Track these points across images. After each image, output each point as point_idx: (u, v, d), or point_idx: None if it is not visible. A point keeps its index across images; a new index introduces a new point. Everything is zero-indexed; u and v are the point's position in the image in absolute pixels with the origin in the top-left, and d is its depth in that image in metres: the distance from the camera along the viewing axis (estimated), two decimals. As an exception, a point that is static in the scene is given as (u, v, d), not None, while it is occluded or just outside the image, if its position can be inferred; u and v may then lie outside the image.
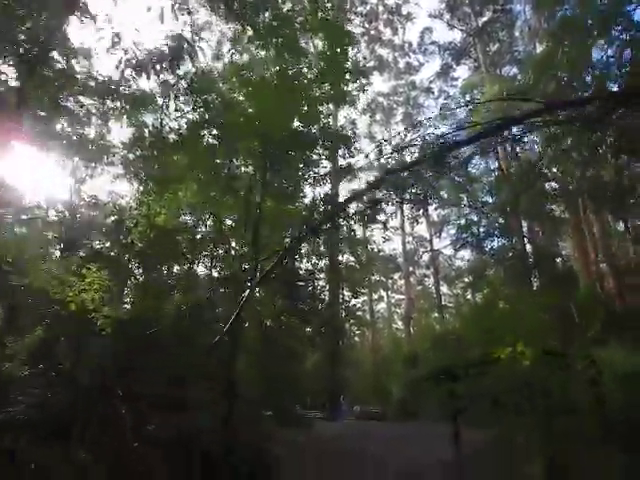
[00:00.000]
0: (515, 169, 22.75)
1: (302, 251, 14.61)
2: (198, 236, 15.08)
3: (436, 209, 29.67)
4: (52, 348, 7.79)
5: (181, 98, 14.48)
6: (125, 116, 16.61)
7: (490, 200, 23.89)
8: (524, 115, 7.89)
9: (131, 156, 17.21)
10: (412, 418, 20.06)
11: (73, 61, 15.26)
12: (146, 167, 14.92)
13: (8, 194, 16.30)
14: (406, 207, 28.97)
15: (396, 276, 40.62)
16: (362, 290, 27.04)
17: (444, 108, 25.30)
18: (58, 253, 17.25)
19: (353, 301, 27.74)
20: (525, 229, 23.59)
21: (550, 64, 12.13)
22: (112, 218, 14.91)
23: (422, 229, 36.79)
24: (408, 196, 10.23)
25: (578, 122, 8.83)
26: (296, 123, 11.73)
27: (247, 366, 11.44)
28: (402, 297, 40.38)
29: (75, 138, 18.28)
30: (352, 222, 11.92)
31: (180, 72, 12.68)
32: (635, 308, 16.24)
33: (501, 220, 22.37)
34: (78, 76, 15.65)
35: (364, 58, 24.95)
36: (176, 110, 13.08)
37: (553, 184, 20.42)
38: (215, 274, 14.93)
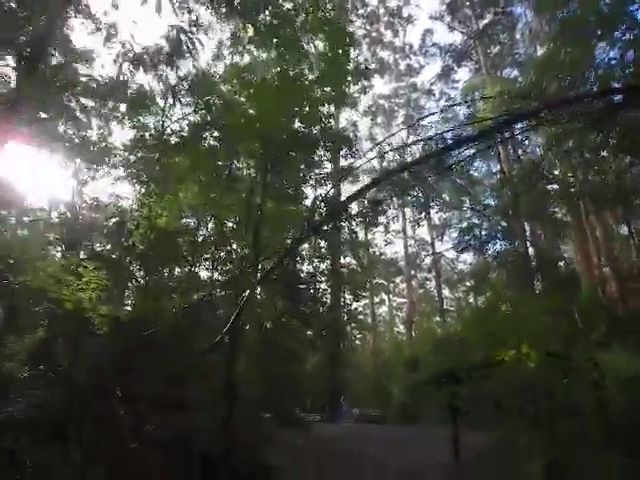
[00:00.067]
0: (517, 171, 22.70)
1: (303, 253, 14.61)
2: (199, 238, 15.09)
3: (438, 212, 29.73)
4: (51, 348, 7.76)
5: (182, 100, 14.53)
6: (127, 118, 16.69)
7: (492, 203, 23.90)
8: (525, 113, 7.84)
9: (132, 158, 17.28)
10: (413, 421, 19.95)
11: (75, 63, 15.37)
12: (147, 169, 14.97)
13: (10, 195, 16.35)
14: (408, 210, 29.05)
15: (398, 279, 40.59)
16: (363, 293, 26.93)
17: (445, 109, 25.28)
18: (59, 254, 17.27)
19: (354, 304, 27.77)
20: (527, 232, 23.50)
21: (552, 65, 12.11)
22: (113, 220, 14.94)
23: (424, 232, 36.77)
24: (409, 196, 10.19)
25: (580, 120, 8.78)
26: (297, 124, 11.72)
27: (247, 367, 11.40)
28: (404, 300, 40.33)
29: (77, 140, 18.38)
30: (353, 223, 11.90)
31: (180, 72, 12.72)
32: (638, 312, 16.15)
33: (503, 223, 22.30)
34: (81, 78, 15.75)
35: (365, 60, 24.98)
36: (178, 111, 13.12)
37: (555, 186, 20.37)
38: (216, 276, 14.92)
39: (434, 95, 34.59)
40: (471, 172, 21.81)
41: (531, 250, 22.75)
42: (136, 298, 13.29)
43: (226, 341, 8.99)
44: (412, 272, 38.29)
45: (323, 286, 17.50)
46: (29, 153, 17.98)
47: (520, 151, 25.63)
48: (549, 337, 11.65)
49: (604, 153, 13.65)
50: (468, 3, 29.76)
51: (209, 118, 12.73)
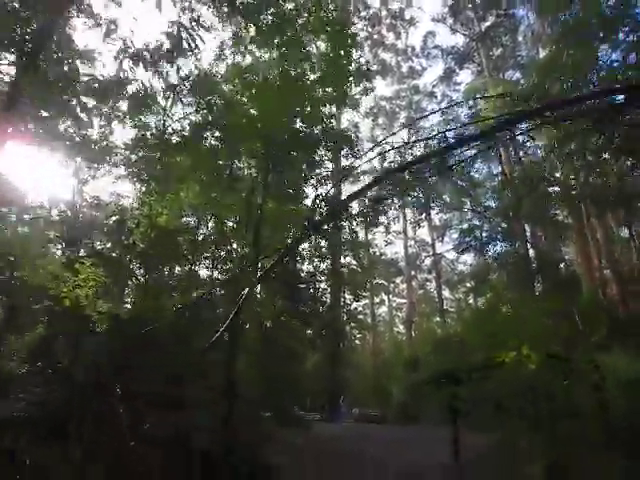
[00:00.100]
0: (518, 173, 22.70)
1: (304, 252, 14.60)
2: (199, 237, 15.10)
3: (438, 213, 29.75)
4: (51, 346, 7.76)
5: (184, 99, 14.53)
6: (128, 117, 16.70)
7: (493, 204, 23.89)
8: (527, 113, 7.83)
9: (134, 157, 17.30)
10: (413, 421, 19.93)
11: (77, 62, 15.38)
12: (148, 168, 14.98)
13: (11, 193, 16.36)
14: (409, 211, 29.02)
15: (398, 280, 40.57)
16: (363, 293, 26.94)
17: (446, 110, 25.28)
18: (60, 252, 17.29)
19: (354, 304, 27.80)
20: (528, 234, 23.49)
21: (554, 68, 12.11)
22: (114, 218, 14.95)
23: (424, 233, 36.78)
24: (410, 195, 10.17)
25: (582, 121, 8.78)
26: (299, 124, 11.72)
27: (247, 366, 11.39)
28: (404, 301, 40.28)
29: (78, 139, 18.39)
30: (354, 222, 11.90)
31: (181, 70, 12.71)
32: (638, 315, 16.14)
33: (504, 224, 22.30)
34: (82, 78, 15.75)
35: (367, 62, 25.03)
36: (179, 111, 13.13)
37: (556, 188, 20.36)
38: (216, 275, 14.93)
39: (436, 97, 34.66)
40: (472, 173, 21.87)
41: (532, 252, 22.76)
42: (136, 296, 13.30)
43: (226, 340, 9.00)
44: (412, 273, 38.28)
45: (323, 286, 17.53)
46: (30, 151, 17.99)
47: (521, 153, 25.64)
48: (549, 339, 11.64)
49: (606, 155, 13.63)
50: (470, 5, 29.78)
51: (210, 118, 12.74)
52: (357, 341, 38.78)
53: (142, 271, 13.35)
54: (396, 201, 12.16)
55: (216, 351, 9.00)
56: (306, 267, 16.15)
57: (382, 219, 14.00)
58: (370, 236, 33.10)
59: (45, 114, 15.82)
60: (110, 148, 19.55)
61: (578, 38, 11.82)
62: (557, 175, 20.12)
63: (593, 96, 7.86)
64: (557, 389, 7.68)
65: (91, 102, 17.55)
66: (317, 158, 12.77)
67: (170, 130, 15.23)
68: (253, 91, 11.59)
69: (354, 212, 9.96)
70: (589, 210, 19.52)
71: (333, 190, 13.96)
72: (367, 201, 9.45)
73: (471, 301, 31.54)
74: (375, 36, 33.68)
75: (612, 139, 10.83)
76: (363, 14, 31.93)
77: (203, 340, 8.85)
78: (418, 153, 9.53)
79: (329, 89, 11.96)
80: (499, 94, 11.48)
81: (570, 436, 6.88)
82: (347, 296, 25.54)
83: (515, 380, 8.13)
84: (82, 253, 16.17)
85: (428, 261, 37.27)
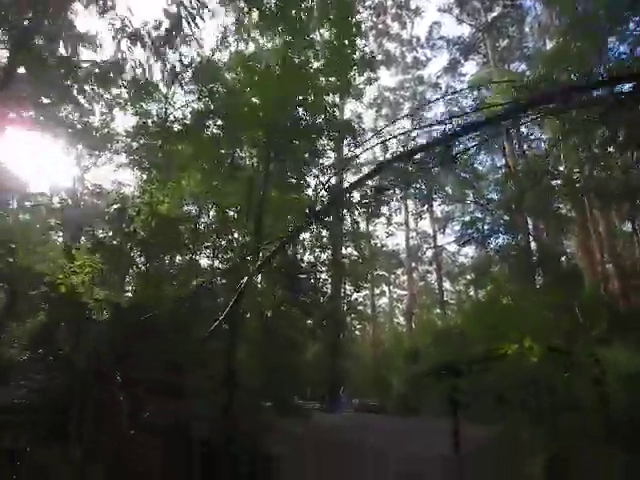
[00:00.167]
0: (522, 166, 22.55)
1: (304, 242, 14.56)
2: (201, 226, 15.04)
3: (440, 205, 29.66)
4: (52, 333, 7.75)
5: (185, 87, 14.38)
6: (129, 104, 16.56)
7: (496, 197, 23.77)
8: (533, 100, 7.69)
9: (135, 145, 17.20)
10: (413, 413, 20.01)
11: (79, 47, 15.20)
12: (150, 156, 14.89)
13: (12, 180, 16.30)
14: (410, 202, 28.90)
15: (399, 271, 40.57)
16: (364, 284, 26.97)
17: (450, 100, 25.06)
18: (60, 240, 17.26)
19: (355, 295, 27.82)
20: (530, 226, 23.41)
21: (561, 59, 11.95)
22: (115, 206, 14.87)
23: (426, 225, 36.74)
24: (412, 187, 10.07)
25: (587, 112, 8.67)
26: (301, 113, 11.61)
27: (247, 355, 11.40)
28: (404, 292, 40.32)
29: (79, 126, 18.28)
30: (355, 212, 11.82)
31: (181, 54, 12.52)
32: (639, 309, 16.12)
33: (506, 217, 22.20)
34: (83, 65, 15.59)
35: (371, 52, 24.75)
36: (181, 98, 13.01)
37: (559, 181, 20.23)
38: (217, 264, 14.89)
39: (440, 88, 34.30)
40: (475, 165, 21.75)
41: (533, 245, 22.70)
42: (136, 284, 13.28)
43: (226, 329, 8.98)
44: (413, 264, 38.26)
45: (324, 276, 17.51)
46: (31, 138, 17.89)
47: (525, 146, 25.46)
48: (550, 332, 11.62)
49: (610, 148, 13.51)
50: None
51: (212, 106, 12.63)
52: (357, 332, 38.86)
53: (143, 259, 13.31)
54: (398, 192, 12.07)
55: (216, 340, 8.99)
56: (307, 257, 16.14)
57: (384, 210, 13.93)
58: (371, 227, 33.08)
59: (46, 100, 15.70)
60: (111, 135, 19.41)
61: (585, 30, 11.66)
62: (561, 168, 19.99)
63: (600, 84, 7.71)
64: (558, 382, 7.67)
65: (93, 88, 17.40)
66: (319, 147, 12.68)
67: (172, 118, 15.12)
68: (255, 79, 11.47)
69: (355, 202, 9.85)
70: (592, 204, 19.41)
71: (335, 179, 13.88)
72: (369, 191, 9.33)
73: (472, 293, 31.53)
74: (380, 26, 33.24)
75: (617, 132, 10.71)
76: (368, 3, 31.48)
77: (203, 329, 8.83)
78: (421, 141, 9.42)
79: (333, 78, 11.83)
80: (505, 80, 11.31)
81: (571, 429, 6.88)
82: (348, 287, 25.55)
83: (516, 372, 8.12)
84: (83, 241, 16.12)
85: (429, 253, 37.29)
